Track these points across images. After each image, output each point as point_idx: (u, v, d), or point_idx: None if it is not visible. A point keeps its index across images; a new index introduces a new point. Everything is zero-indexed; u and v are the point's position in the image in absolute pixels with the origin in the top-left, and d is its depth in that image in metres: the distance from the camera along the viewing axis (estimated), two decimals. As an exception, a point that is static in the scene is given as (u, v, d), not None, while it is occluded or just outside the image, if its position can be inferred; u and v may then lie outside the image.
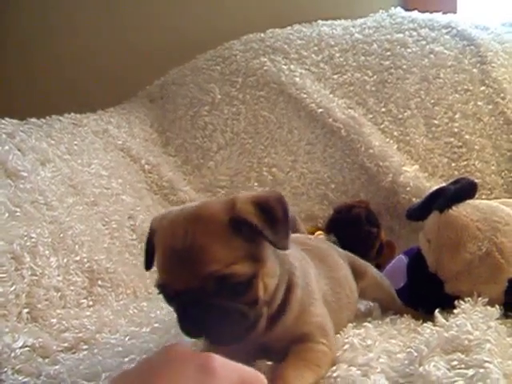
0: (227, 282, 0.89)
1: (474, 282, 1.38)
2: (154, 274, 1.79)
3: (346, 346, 1.02)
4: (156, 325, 1.36)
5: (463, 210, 1.44)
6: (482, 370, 0.84)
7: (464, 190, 1.49)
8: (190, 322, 0.92)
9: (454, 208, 1.45)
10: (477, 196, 1.78)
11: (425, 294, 1.45)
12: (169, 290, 0.92)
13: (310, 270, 1.10)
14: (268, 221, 0.91)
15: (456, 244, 1.41)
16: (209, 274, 0.88)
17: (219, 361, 0.65)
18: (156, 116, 2.41)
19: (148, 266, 0.99)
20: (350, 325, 1.19)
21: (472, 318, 1.08)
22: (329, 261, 1.26)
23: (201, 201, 1.02)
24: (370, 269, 1.42)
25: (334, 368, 0.93)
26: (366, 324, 1.19)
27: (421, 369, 0.87)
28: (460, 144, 2.12)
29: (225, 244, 0.90)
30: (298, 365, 0.92)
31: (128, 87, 2.56)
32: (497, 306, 1.21)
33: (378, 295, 1.41)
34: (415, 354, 0.93)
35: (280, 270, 0.98)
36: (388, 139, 2.11)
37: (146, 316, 1.48)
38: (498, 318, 1.22)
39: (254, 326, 0.94)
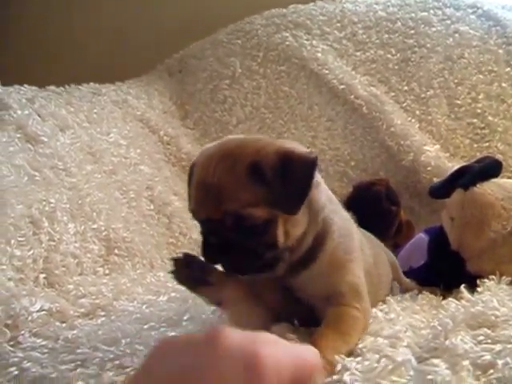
0: (244, 222, 0.94)
1: (497, 261, 1.36)
2: (170, 246, 1.81)
3: (370, 320, 1.01)
4: (173, 294, 1.36)
5: (488, 188, 1.42)
6: (509, 346, 0.82)
7: (489, 168, 1.47)
8: (209, 249, 0.99)
9: (478, 186, 1.42)
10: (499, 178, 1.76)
11: (446, 272, 1.43)
12: (197, 217, 1.00)
13: (354, 232, 1.12)
14: (284, 177, 0.93)
15: (480, 222, 1.39)
16: (226, 211, 0.94)
17: (270, 358, 0.61)
18: (175, 89, 2.39)
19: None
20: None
21: (498, 295, 1.06)
22: (372, 238, 1.34)
23: (239, 138, 1.03)
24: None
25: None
26: (388, 299, 1.18)
27: (447, 342, 0.85)
28: (483, 125, 2.09)
29: (243, 186, 0.93)
30: (330, 335, 0.91)
31: (148, 61, 2.54)
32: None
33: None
34: (440, 328, 0.91)
35: (312, 220, 0.99)
36: (410, 118, 2.08)
37: (162, 285, 1.48)
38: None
39: (271, 267, 0.98)
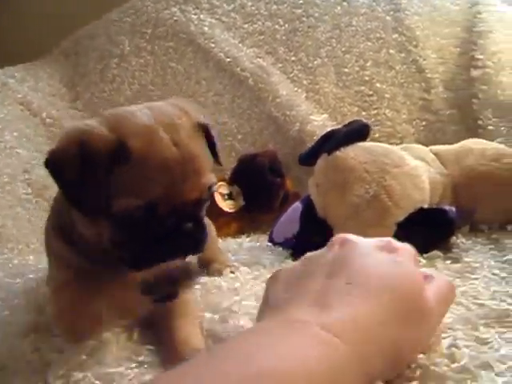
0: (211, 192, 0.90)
1: (361, 226, 1.34)
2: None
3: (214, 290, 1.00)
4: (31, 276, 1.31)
5: (351, 152, 1.40)
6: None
7: (354, 131, 1.45)
8: (185, 240, 0.87)
9: (342, 150, 1.40)
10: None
11: (316, 241, 1.41)
12: (163, 207, 0.84)
13: None
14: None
15: (342, 187, 1.37)
16: (206, 185, 0.87)
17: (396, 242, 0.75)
18: (68, 71, 2.33)
19: (101, 193, 0.83)
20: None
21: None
22: None
23: (146, 105, 0.91)
24: None
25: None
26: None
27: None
28: (371, 92, 2.08)
29: (205, 153, 0.90)
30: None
31: (48, 45, 2.47)
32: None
33: None
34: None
35: None
36: (297, 88, 2.06)
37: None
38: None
39: None
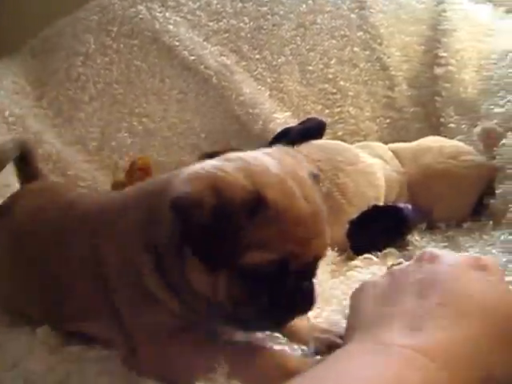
0: None
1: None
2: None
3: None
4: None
5: (304, 150, 1.41)
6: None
7: (309, 129, 1.47)
8: (301, 299, 0.83)
9: (296, 147, 1.41)
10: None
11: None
12: (295, 263, 0.79)
13: None
14: None
15: (295, 185, 1.38)
16: (328, 240, 0.83)
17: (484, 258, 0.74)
18: (35, 69, 2.31)
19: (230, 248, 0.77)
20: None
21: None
22: None
23: (254, 155, 0.86)
24: None
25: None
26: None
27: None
28: (334, 90, 2.08)
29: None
30: None
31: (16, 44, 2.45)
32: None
33: None
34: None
35: None
36: (260, 86, 2.06)
37: None
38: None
39: None
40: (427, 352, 0.58)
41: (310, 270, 0.84)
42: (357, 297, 0.76)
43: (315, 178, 0.87)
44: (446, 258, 0.74)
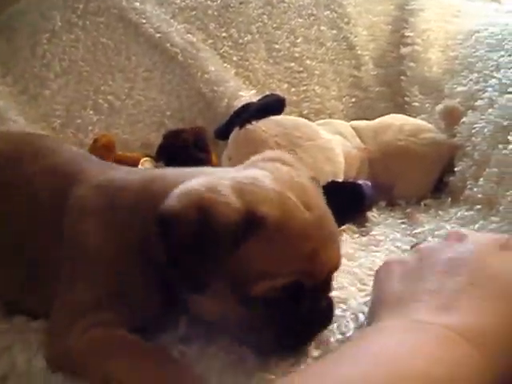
0: None
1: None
2: None
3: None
4: None
5: (262, 125, 1.41)
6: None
7: (268, 105, 1.46)
8: (319, 318, 0.79)
9: (253, 123, 1.41)
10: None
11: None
12: (308, 282, 0.75)
13: None
14: None
15: (252, 160, 1.38)
16: (340, 248, 0.80)
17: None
18: (0, 47, 2.29)
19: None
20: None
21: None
22: None
23: (246, 173, 0.82)
24: None
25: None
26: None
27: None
28: (301, 69, 2.08)
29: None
30: None
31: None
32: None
33: None
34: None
35: None
36: (226, 64, 2.05)
37: None
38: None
39: None
40: (461, 331, 0.58)
41: (326, 284, 0.80)
42: (382, 274, 0.76)
43: (314, 181, 0.86)
44: (475, 237, 0.74)
